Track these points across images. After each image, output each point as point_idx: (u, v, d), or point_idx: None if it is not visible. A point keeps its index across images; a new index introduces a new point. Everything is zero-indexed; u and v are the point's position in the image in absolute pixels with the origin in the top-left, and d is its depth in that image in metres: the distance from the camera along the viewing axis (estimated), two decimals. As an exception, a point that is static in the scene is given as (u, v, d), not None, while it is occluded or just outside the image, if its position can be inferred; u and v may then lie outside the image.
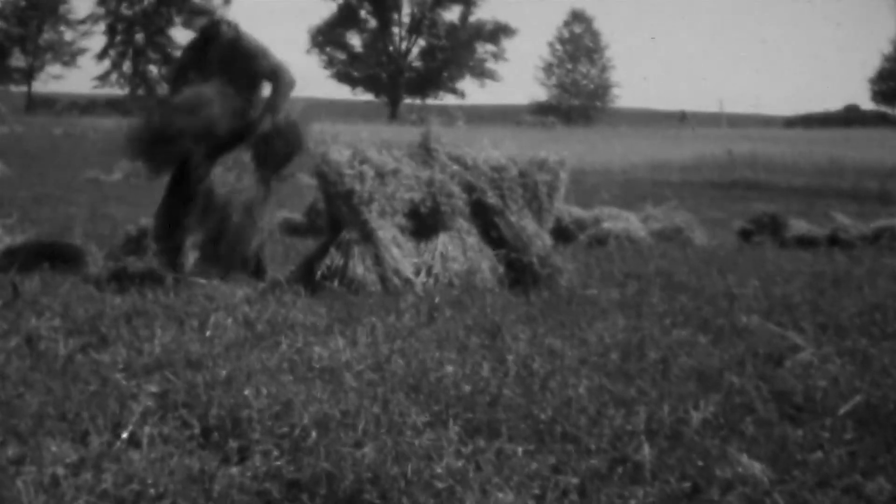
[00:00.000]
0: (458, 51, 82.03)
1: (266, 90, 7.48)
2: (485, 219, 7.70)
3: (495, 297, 6.98)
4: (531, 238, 7.64)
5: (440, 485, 3.49)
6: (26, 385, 4.43)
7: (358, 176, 7.31)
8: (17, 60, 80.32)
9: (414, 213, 7.54)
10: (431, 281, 7.29)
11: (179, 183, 7.31)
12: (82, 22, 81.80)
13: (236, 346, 5.25)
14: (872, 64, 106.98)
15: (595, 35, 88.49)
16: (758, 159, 25.12)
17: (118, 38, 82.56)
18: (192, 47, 7.73)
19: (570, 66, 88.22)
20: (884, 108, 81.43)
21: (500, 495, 3.44)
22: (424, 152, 7.86)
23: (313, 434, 3.87)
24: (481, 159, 7.86)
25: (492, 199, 7.67)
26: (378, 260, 7.19)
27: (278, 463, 3.64)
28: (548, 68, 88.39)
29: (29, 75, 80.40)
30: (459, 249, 7.50)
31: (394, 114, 73.22)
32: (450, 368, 4.85)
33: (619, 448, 3.89)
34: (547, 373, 4.89)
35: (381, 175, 7.41)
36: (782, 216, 12.05)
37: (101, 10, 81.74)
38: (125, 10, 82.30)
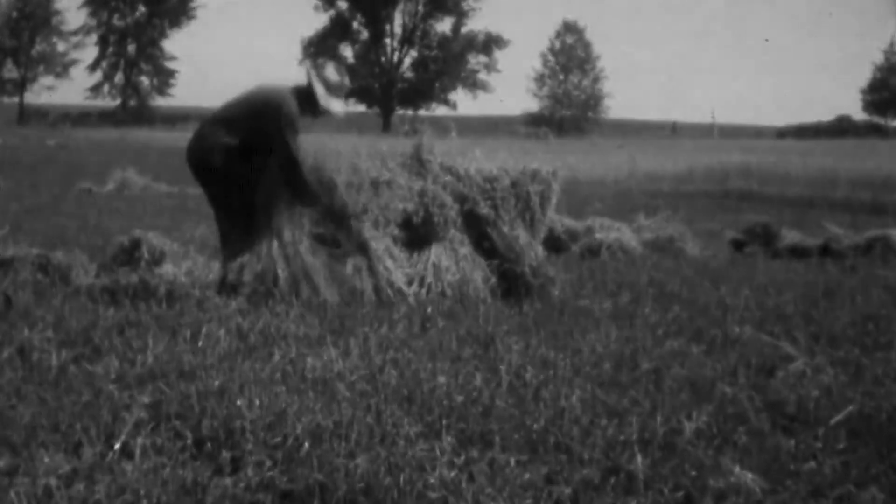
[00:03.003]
0: (451, 62, 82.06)
1: None
2: (477, 229, 7.69)
3: (488, 307, 6.98)
4: (523, 248, 7.63)
5: (433, 495, 3.49)
6: (19, 396, 4.42)
7: (352, 187, 7.31)
8: (10, 72, 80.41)
9: (407, 224, 7.54)
10: (424, 291, 7.29)
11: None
12: (74, 33, 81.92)
13: (229, 357, 5.24)
14: (865, 74, 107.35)
15: (587, 46, 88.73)
16: (750, 170, 25.11)
17: (110, 49, 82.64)
18: None
19: (562, 76, 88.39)
20: (876, 119, 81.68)
21: (494, 506, 3.44)
22: (417, 163, 7.86)
23: (306, 445, 3.87)
24: (474, 170, 7.86)
25: (484, 209, 7.67)
26: (371, 270, 7.19)
27: (271, 474, 3.64)
28: (540, 79, 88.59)
29: (21, 86, 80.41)
30: (452, 260, 7.49)
31: (386, 125, 73.26)
32: (442, 379, 4.85)
33: (612, 458, 3.89)
34: (540, 383, 4.89)
35: (374, 186, 7.41)
36: (775, 227, 12.05)
37: (94, 22, 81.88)
38: (117, 22, 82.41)
